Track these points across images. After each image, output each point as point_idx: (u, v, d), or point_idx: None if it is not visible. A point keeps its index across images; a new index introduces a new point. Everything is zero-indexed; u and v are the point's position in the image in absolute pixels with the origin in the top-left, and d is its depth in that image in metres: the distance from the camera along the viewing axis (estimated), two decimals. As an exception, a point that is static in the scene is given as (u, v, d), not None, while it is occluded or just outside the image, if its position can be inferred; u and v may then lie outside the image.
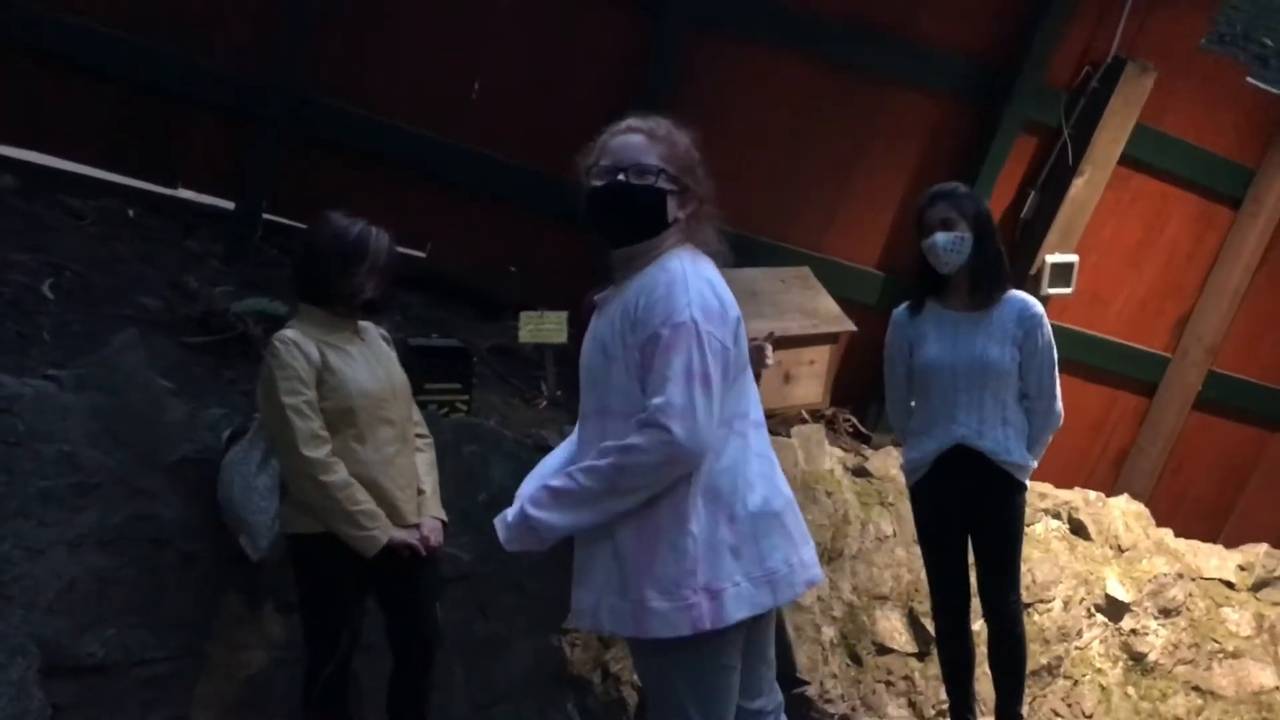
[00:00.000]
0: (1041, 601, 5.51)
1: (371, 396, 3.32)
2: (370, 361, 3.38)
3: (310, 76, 5.20)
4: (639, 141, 2.72)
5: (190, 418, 3.70)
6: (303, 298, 3.44)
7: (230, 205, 5.25)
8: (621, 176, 2.69)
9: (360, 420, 3.28)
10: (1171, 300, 6.64)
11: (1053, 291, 6.11)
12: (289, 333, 3.31)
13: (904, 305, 4.27)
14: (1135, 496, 6.28)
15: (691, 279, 2.63)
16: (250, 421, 3.51)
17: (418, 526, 3.38)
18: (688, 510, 2.57)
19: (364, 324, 3.49)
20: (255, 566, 3.48)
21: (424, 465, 3.51)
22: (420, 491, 3.46)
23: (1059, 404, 4.12)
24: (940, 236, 3.98)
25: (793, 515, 2.77)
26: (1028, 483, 4.13)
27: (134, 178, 5.13)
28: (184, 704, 3.51)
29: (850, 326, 5.46)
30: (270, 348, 3.29)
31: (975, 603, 4.22)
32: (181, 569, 3.53)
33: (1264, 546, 6.35)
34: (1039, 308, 4.12)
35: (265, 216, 5.29)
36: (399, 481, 3.36)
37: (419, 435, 3.55)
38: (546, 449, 4.44)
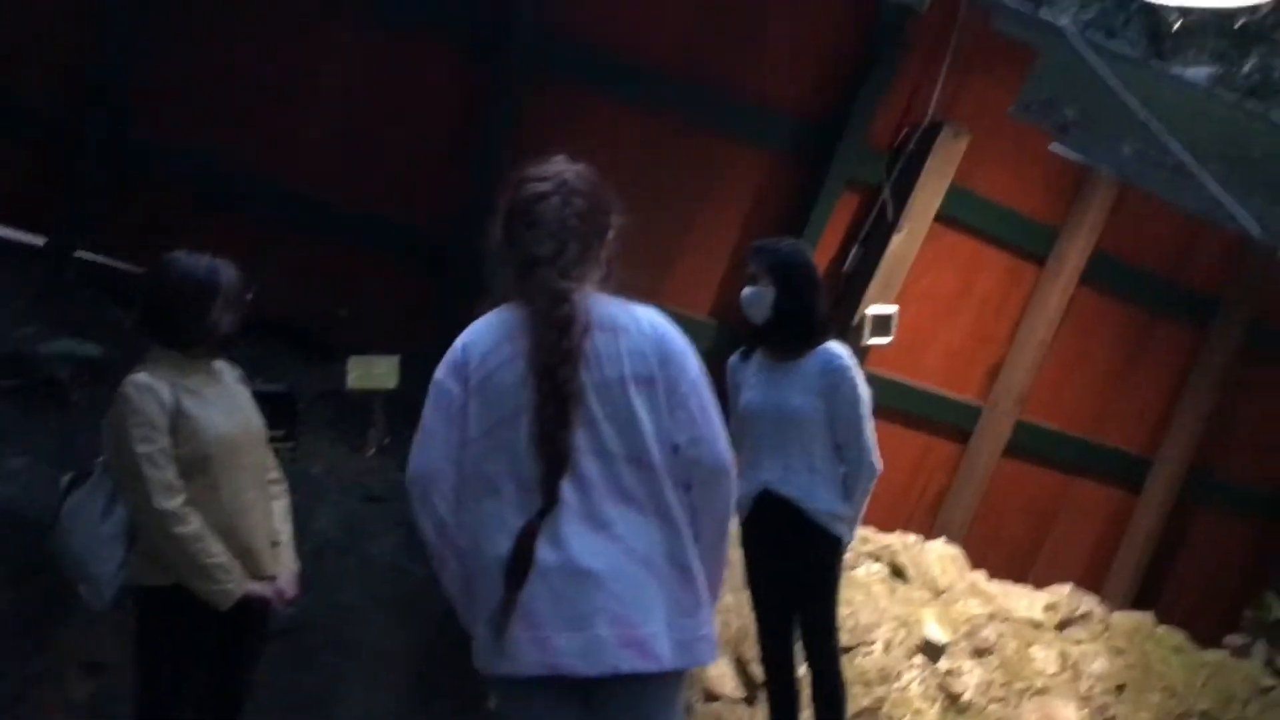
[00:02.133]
0: (864, 644, 5.66)
1: (228, 442, 3.22)
2: (228, 405, 3.30)
3: (130, 107, 5.03)
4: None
5: (-9, 467, 3.50)
6: (154, 340, 3.33)
7: (40, 241, 5.01)
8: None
9: (215, 467, 3.19)
10: (983, 350, 6.96)
11: (873, 341, 6.33)
12: (141, 376, 3.19)
13: (739, 350, 4.38)
14: (951, 539, 6.53)
15: None
16: (91, 467, 3.33)
17: (273, 578, 3.28)
18: None
19: (219, 365, 3.40)
20: (54, 626, 3.28)
21: (280, 513, 3.42)
22: (275, 543, 3.36)
23: (872, 455, 4.18)
24: (746, 291, 4.16)
25: None
26: (843, 533, 4.17)
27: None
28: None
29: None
30: (121, 393, 3.16)
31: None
32: (-23, 627, 3.31)
33: (1069, 586, 6.68)
34: (846, 359, 4.19)
35: (79, 255, 5.07)
36: (256, 531, 3.27)
37: (273, 481, 3.46)
38: (375, 498, 4.42)
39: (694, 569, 2.45)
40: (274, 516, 3.38)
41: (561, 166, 2.59)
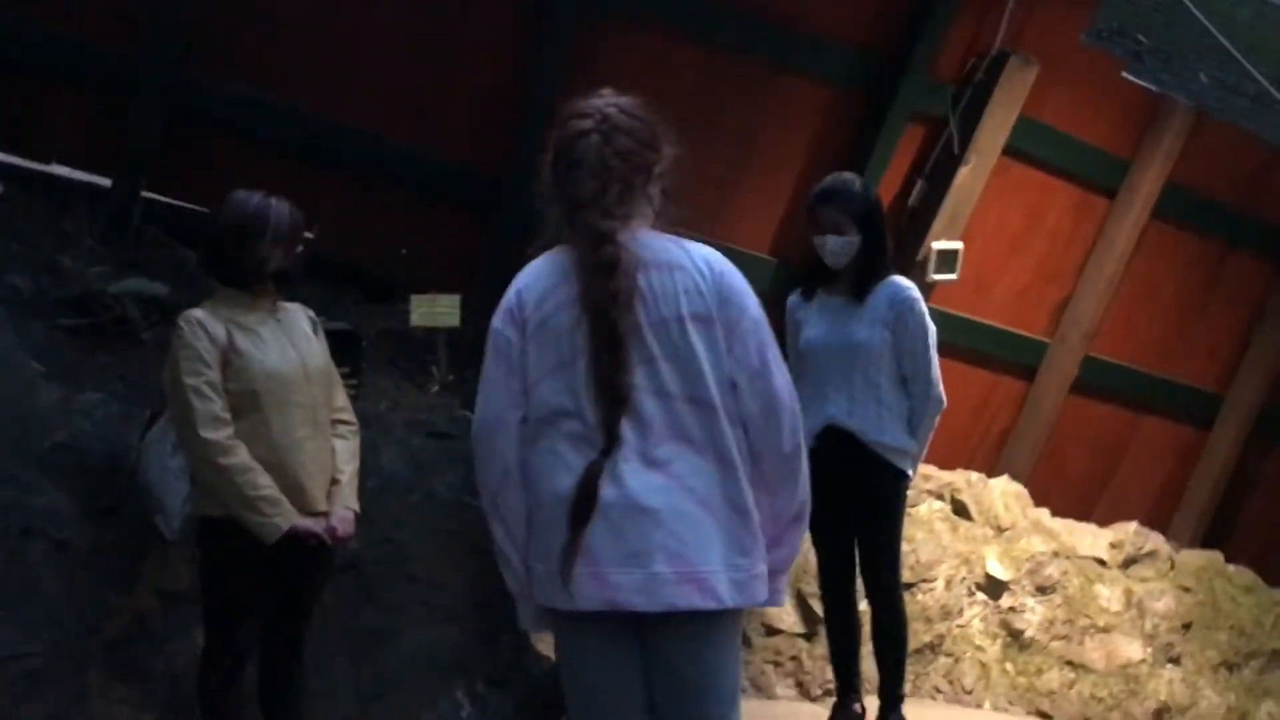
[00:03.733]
0: (925, 581, 5.66)
1: (278, 379, 3.27)
2: (283, 344, 3.34)
3: (188, 50, 5.04)
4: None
5: (63, 403, 3.60)
6: (216, 279, 3.43)
7: (107, 183, 5.08)
8: None
9: (265, 403, 3.24)
10: (1051, 286, 6.83)
11: (938, 278, 6.23)
12: (197, 312, 3.29)
13: (797, 290, 4.34)
14: (1015, 477, 6.47)
15: None
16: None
17: (326, 515, 3.32)
18: None
19: (290, 306, 3.46)
20: (136, 557, 3.39)
21: (344, 452, 3.46)
22: (335, 481, 3.41)
23: (938, 388, 4.18)
24: (831, 240, 4.09)
25: None
26: (907, 466, 4.17)
27: (3, 152, 4.93)
28: (59, 699, 3.41)
29: (742, 311, 5.50)
30: (176, 328, 3.26)
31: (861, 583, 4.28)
32: (54, 560, 3.42)
33: (1134, 525, 6.60)
34: (912, 291, 4.18)
35: (146, 195, 5.13)
36: (309, 467, 3.30)
37: (341, 421, 3.49)
38: (439, 435, 4.47)
39: (750, 509, 2.44)
40: (338, 454, 3.41)
41: (607, 100, 2.55)
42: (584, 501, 2.37)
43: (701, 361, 2.42)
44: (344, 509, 3.41)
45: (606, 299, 2.39)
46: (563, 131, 2.52)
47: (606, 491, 2.37)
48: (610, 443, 2.39)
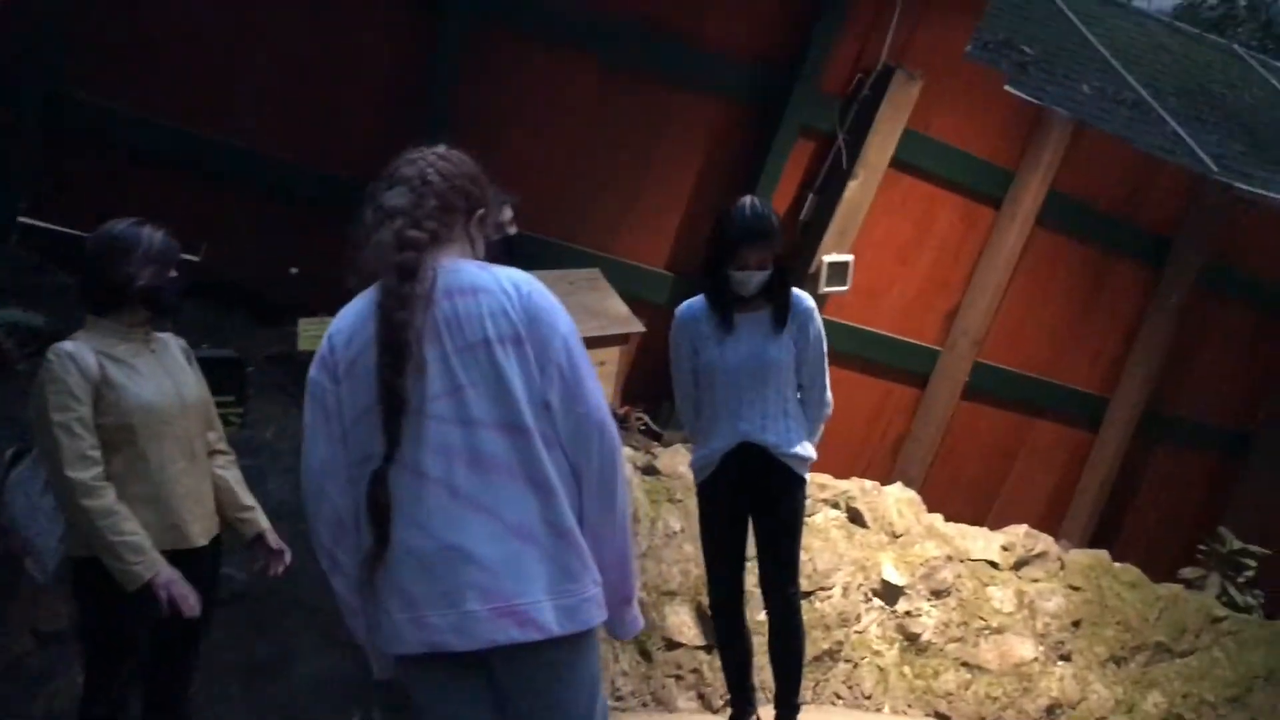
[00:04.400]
0: (822, 589, 5.73)
1: (154, 411, 3.19)
2: (158, 375, 3.26)
3: (67, 68, 4.92)
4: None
5: (-69, 439, 3.47)
6: (88, 309, 3.31)
7: (-19, 207, 4.94)
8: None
9: (141, 436, 3.16)
10: (940, 296, 6.99)
11: (830, 290, 6.37)
12: (67, 345, 3.17)
13: (686, 304, 4.35)
14: (909, 483, 6.59)
15: None
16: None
17: (203, 549, 3.28)
18: None
19: (162, 336, 3.38)
20: (5, 597, 3.27)
21: (239, 482, 3.43)
22: (249, 507, 3.40)
23: (830, 394, 4.30)
24: (756, 275, 4.12)
25: None
26: (808, 476, 4.25)
27: None
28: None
29: (639, 328, 5.55)
30: (45, 361, 3.14)
31: (755, 594, 4.33)
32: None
33: (1024, 527, 6.75)
34: (811, 302, 4.25)
35: (23, 220, 4.99)
36: (186, 501, 3.24)
37: (219, 452, 3.45)
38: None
39: (574, 531, 2.38)
40: (233, 486, 3.39)
41: (437, 149, 2.54)
42: (376, 510, 2.32)
43: (512, 384, 2.36)
44: (271, 531, 3.41)
45: (394, 302, 2.32)
46: (387, 169, 2.51)
47: (413, 535, 2.32)
48: (391, 448, 2.32)
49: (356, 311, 2.43)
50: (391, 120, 5.45)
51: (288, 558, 3.40)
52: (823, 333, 4.26)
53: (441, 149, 2.53)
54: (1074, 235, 7.29)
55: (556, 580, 2.35)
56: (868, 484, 6.30)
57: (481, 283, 2.41)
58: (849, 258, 6.41)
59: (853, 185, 6.35)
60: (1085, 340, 7.52)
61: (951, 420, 7.05)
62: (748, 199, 4.25)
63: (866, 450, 6.87)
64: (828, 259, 6.35)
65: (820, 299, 6.07)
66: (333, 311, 5.00)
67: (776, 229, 4.19)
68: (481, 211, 2.52)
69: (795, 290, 4.25)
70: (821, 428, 4.33)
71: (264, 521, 3.42)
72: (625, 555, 2.48)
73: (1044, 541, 6.66)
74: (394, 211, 2.43)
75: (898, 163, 6.47)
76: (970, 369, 7.03)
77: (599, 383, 2.48)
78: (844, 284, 6.41)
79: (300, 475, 2.45)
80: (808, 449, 4.22)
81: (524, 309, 2.40)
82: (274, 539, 3.39)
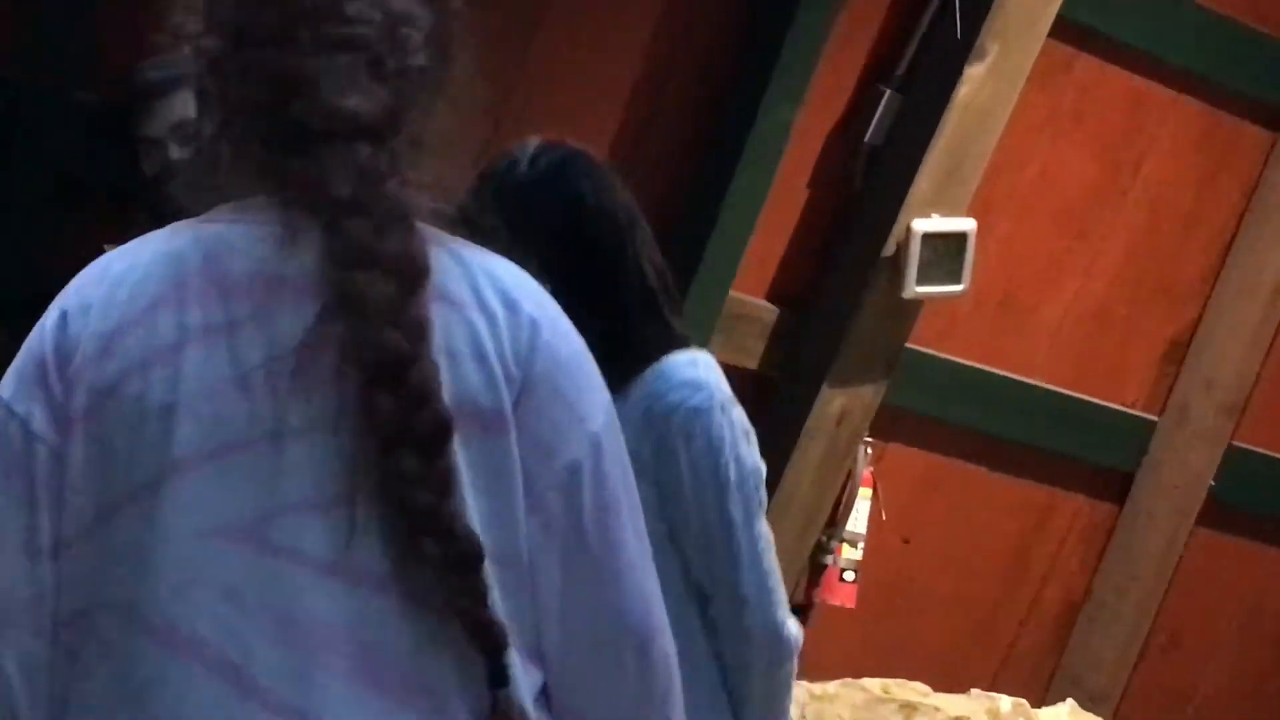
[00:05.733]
0: None
1: None
2: None
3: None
4: None
5: None
6: None
7: None
8: None
9: None
10: (1155, 309, 4.20)
11: (927, 290, 3.65)
12: None
13: None
14: (1095, 700, 3.96)
15: None
16: None
17: None
18: None
19: None
20: None
21: None
22: None
23: (784, 609, 2.26)
24: None
25: None
26: None
27: None
28: None
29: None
30: None
31: None
32: None
33: None
34: (708, 387, 2.33)
35: None
36: None
37: None
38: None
39: None
40: None
41: None
42: None
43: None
44: None
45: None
46: None
47: None
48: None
49: (138, 278, 1.32)
50: None
51: None
52: (739, 450, 2.24)
53: None
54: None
55: None
56: (1005, 703, 3.84)
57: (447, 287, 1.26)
58: (967, 224, 3.61)
59: (973, 73, 3.59)
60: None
61: (1181, 564, 4.11)
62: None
63: (998, 634, 4.05)
64: (921, 226, 3.62)
65: (905, 310, 3.56)
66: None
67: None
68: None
69: (672, 359, 2.31)
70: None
71: None
72: None
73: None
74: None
75: (1069, 29, 3.62)
76: (1221, 459, 4.10)
77: (646, 542, 1.22)
78: (957, 280, 3.72)
79: None
80: None
81: (524, 353, 1.23)
82: None
